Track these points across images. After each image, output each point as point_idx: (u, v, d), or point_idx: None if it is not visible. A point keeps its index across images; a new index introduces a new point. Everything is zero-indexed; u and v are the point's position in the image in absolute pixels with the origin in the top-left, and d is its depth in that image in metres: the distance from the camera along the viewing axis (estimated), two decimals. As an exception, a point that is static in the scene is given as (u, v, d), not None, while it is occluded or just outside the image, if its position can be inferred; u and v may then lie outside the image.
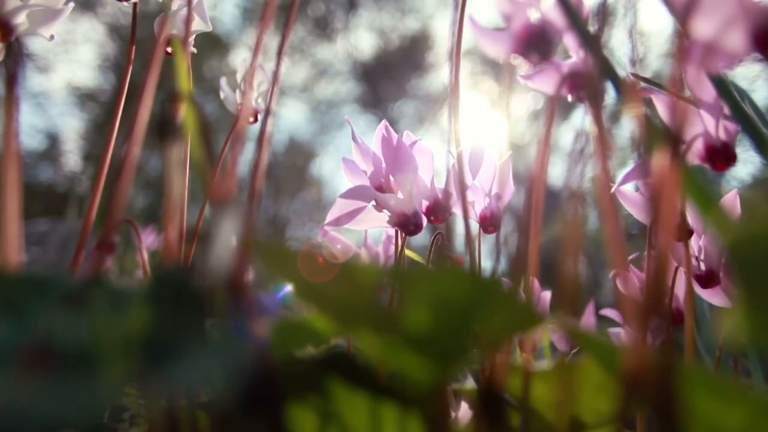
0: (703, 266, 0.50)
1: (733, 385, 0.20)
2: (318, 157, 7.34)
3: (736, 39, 0.26)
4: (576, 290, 0.25)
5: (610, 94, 0.28)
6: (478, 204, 0.54)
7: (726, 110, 0.35)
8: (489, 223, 0.53)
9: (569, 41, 0.34)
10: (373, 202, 0.50)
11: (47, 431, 0.15)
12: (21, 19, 0.44)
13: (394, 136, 0.50)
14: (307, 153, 7.33)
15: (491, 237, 0.55)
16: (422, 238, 0.54)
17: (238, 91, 0.65)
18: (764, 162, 0.33)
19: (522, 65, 0.35)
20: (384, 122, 0.50)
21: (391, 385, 0.24)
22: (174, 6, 0.52)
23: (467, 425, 0.37)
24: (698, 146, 0.37)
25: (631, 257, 0.58)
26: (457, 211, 0.53)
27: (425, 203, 0.50)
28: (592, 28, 0.31)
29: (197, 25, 0.54)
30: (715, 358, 0.56)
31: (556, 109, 0.30)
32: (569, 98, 0.36)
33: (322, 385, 0.24)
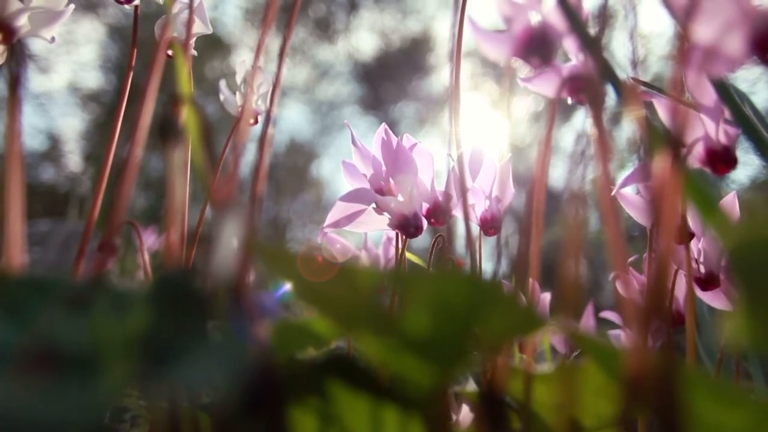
0: (703, 269, 0.50)
1: (734, 389, 0.20)
2: (319, 158, 7.35)
3: (737, 43, 0.26)
4: (577, 292, 0.25)
5: (610, 97, 0.28)
6: (479, 206, 0.54)
7: (726, 113, 0.35)
8: (490, 226, 0.53)
9: (570, 44, 0.34)
10: (374, 205, 0.50)
11: (49, 433, 0.15)
12: (23, 22, 0.44)
13: (394, 138, 0.50)
14: (308, 154, 7.33)
15: (492, 239, 0.55)
16: (423, 240, 0.54)
17: (238, 93, 0.65)
18: (765, 165, 0.33)
19: (522, 68, 0.35)
20: (383, 125, 0.51)
21: (392, 388, 0.24)
22: (175, 8, 0.52)
23: (468, 428, 0.36)
24: (699, 149, 0.37)
25: (631, 260, 0.58)
26: (457, 213, 0.53)
27: (425, 205, 0.50)
28: (592, 30, 0.31)
29: (198, 28, 0.54)
30: (716, 361, 0.56)
31: (556, 111, 0.30)
32: (570, 101, 0.36)
33: (323, 388, 0.24)
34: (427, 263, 0.52)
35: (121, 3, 0.49)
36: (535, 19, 0.34)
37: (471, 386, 0.29)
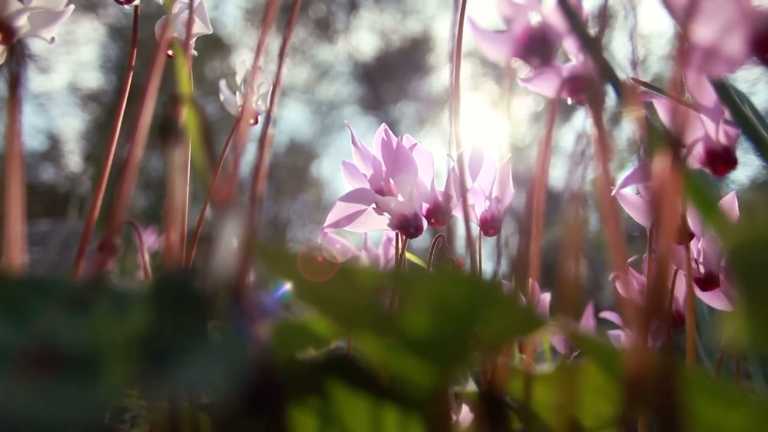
0: (702, 269, 0.50)
1: (734, 389, 0.20)
2: (319, 158, 7.36)
3: (736, 43, 0.26)
4: (577, 293, 0.25)
5: (610, 97, 0.28)
6: (479, 206, 0.54)
7: (726, 114, 0.35)
8: (489, 226, 0.54)
9: (570, 44, 0.34)
10: (374, 205, 0.50)
11: (49, 433, 0.15)
12: (23, 22, 0.44)
13: (394, 138, 0.50)
14: (308, 154, 7.34)
15: (492, 239, 0.55)
16: (423, 240, 0.54)
17: (238, 93, 0.65)
18: (764, 165, 0.33)
19: (522, 68, 0.35)
20: (383, 125, 0.51)
21: (392, 388, 0.24)
22: (175, 8, 0.52)
23: (468, 428, 0.37)
24: (699, 150, 0.37)
25: (631, 260, 0.58)
26: (457, 213, 0.53)
27: (425, 206, 0.50)
28: (592, 31, 0.31)
29: (198, 28, 0.54)
30: (716, 361, 0.56)
31: (556, 111, 0.30)
32: (570, 101, 0.36)
33: (323, 388, 0.24)
34: (427, 263, 0.52)
35: (121, 3, 0.49)
36: (535, 19, 0.34)
37: (471, 386, 0.29)
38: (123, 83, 0.47)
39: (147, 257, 0.53)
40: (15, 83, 0.26)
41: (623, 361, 0.20)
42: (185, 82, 0.32)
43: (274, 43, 0.31)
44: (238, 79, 0.64)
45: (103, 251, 0.24)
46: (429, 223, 0.50)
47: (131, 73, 0.48)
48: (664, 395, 0.19)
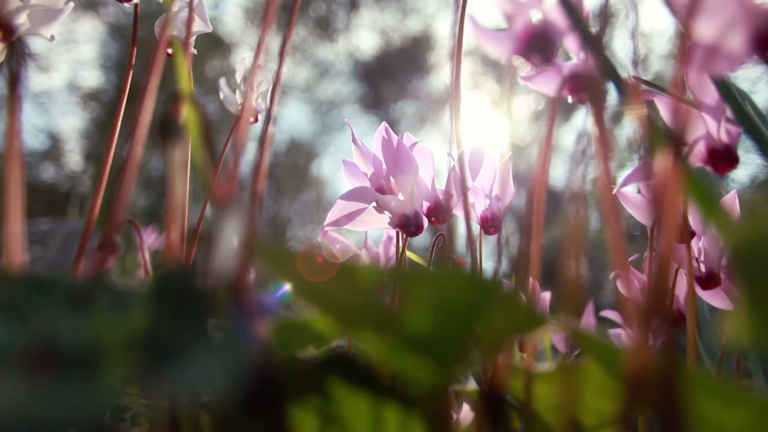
0: (703, 268, 0.50)
1: (735, 388, 0.20)
2: (319, 157, 7.36)
3: (738, 41, 0.26)
4: (577, 291, 0.25)
5: (611, 96, 0.28)
6: (479, 205, 0.54)
7: (728, 112, 0.35)
8: (490, 225, 0.53)
9: (571, 42, 0.34)
10: (374, 204, 0.50)
11: (49, 431, 0.15)
12: (22, 19, 0.44)
13: (395, 137, 0.50)
14: (308, 153, 7.34)
15: (492, 238, 0.55)
16: (423, 239, 0.54)
17: (238, 92, 0.65)
18: (766, 164, 0.33)
19: (523, 66, 0.35)
20: (384, 124, 0.50)
21: (393, 386, 0.24)
22: (175, 7, 0.52)
23: (469, 427, 0.36)
24: (700, 148, 0.37)
25: (632, 259, 0.58)
26: (458, 212, 0.53)
27: (426, 204, 0.50)
28: (593, 29, 0.31)
29: (198, 26, 0.54)
30: (717, 360, 0.56)
31: (557, 110, 0.30)
32: (571, 99, 0.35)
33: (324, 386, 0.24)
34: (428, 262, 0.52)
35: (121, 1, 0.49)
36: (536, 17, 0.34)
37: (472, 385, 0.29)
38: (123, 82, 0.47)
39: (147, 256, 0.53)
40: (15, 82, 0.26)
41: (624, 360, 0.20)
42: (185, 81, 0.32)
43: (274, 41, 0.31)
44: (238, 77, 0.64)
45: (104, 250, 0.24)
46: (429, 221, 0.50)
47: (131, 72, 0.48)
48: (664, 394, 0.19)
